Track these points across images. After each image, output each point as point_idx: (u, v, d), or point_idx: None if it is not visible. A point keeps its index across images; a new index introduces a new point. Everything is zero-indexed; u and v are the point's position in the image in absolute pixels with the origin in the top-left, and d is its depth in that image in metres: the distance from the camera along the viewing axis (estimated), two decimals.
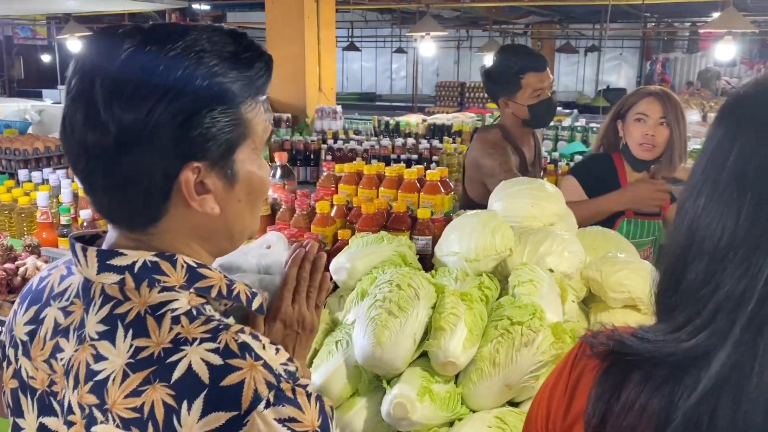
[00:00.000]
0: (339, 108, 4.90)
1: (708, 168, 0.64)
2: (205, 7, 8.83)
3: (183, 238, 0.80)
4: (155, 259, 0.76)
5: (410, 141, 4.28)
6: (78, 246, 0.79)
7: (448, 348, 1.29)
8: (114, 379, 0.71)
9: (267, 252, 1.08)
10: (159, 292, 0.75)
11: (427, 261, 1.75)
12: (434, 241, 1.81)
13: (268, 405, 0.67)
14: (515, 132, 2.56)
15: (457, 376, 1.35)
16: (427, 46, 5.29)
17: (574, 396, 0.73)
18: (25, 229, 2.36)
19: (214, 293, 0.78)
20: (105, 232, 0.84)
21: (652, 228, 2.34)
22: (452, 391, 1.30)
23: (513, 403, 1.37)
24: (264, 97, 0.83)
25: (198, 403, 0.67)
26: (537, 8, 7.03)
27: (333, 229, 1.84)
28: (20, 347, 0.84)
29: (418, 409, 1.24)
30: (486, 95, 8.14)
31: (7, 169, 3.52)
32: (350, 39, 9.82)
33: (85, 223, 2.06)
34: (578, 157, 3.81)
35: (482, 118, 5.14)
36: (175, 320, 0.73)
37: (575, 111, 6.65)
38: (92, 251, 0.77)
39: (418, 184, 1.88)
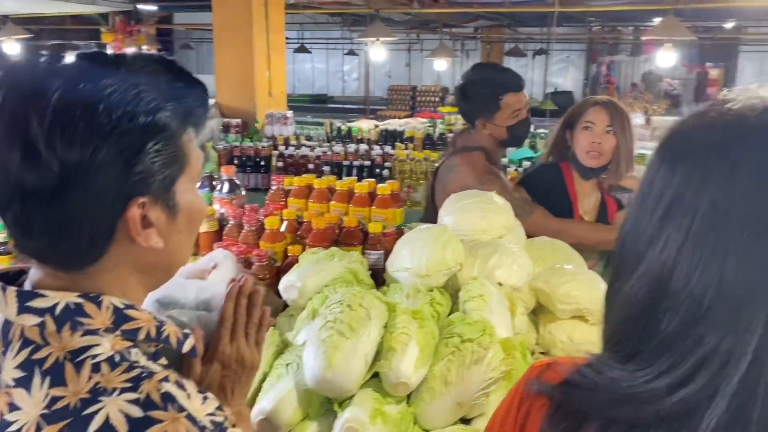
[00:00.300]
0: (290, 113, 4.85)
1: (673, 215, 0.60)
2: (152, 7, 8.63)
3: (121, 275, 0.78)
4: (79, 300, 0.73)
5: (363, 147, 4.28)
6: None
7: (399, 369, 1.28)
8: None
9: (206, 285, 1.05)
10: (82, 335, 0.71)
11: (379, 276, 1.75)
12: (386, 255, 1.81)
13: None
14: (493, 152, 2.52)
15: (409, 395, 1.34)
16: (378, 51, 5.30)
17: None
18: None
19: (141, 336, 0.75)
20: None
21: None
22: (404, 412, 1.30)
23: (464, 420, 1.37)
24: (201, 126, 0.82)
25: None
26: (486, 13, 7.13)
27: (283, 245, 1.82)
28: None
29: None
30: (435, 100, 8.25)
31: None
32: (300, 41, 9.75)
33: None
34: (527, 163, 3.87)
35: (433, 123, 5.17)
36: (95, 368, 0.69)
37: None
38: (11, 291, 0.74)
39: (370, 198, 1.87)
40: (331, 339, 1.29)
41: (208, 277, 1.61)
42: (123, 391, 0.68)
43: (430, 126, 4.91)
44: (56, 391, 0.68)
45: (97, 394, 0.68)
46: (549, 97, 9.91)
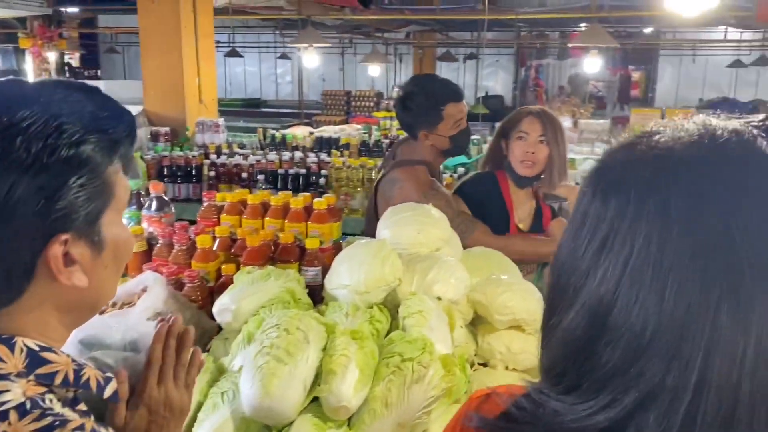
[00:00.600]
0: (221, 121, 4.73)
1: (610, 248, 0.59)
2: (73, 9, 8.27)
3: (41, 315, 0.74)
4: None
5: (298, 155, 4.22)
6: None
7: (340, 392, 1.25)
8: None
9: (133, 324, 1.01)
10: None
11: (317, 293, 1.72)
12: (324, 272, 1.78)
13: None
14: (433, 164, 2.53)
15: (350, 418, 1.32)
16: (311, 57, 5.24)
17: None
18: None
19: (58, 380, 0.71)
20: None
21: None
22: None
23: None
24: (128, 157, 0.78)
25: None
26: (417, 19, 7.19)
27: (216, 264, 1.76)
28: None
29: None
30: (370, 105, 8.26)
31: None
32: (231, 45, 9.57)
33: None
34: (461, 169, 3.92)
35: (369, 130, 5.16)
36: (3, 416, 0.65)
37: None
38: None
39: (306, 213, 1.84)
40: (268, 365, 1.25)
41: (138, 302, 1.54)
42: None
43: (365, 133, 4.89)
44: None
45: None
46: (480, 101, 10.08)
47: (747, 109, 10.72)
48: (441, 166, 2.80)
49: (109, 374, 0.78)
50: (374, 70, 7.69)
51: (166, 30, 4.57)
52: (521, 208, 2.42)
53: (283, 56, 11.65)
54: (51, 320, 0.75)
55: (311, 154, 4.33)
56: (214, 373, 1.41)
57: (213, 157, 4.21)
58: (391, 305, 1.60)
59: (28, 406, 0.66)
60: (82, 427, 0.67)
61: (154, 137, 4.59)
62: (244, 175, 4.09)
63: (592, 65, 5.06)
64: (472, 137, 4.75)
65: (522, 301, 1.68)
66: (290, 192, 2.02)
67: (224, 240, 1.82)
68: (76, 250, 0.72)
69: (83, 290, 0.74)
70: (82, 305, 0.78)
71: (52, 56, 8.18)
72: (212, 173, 4.09)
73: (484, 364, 1.73)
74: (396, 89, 7.63)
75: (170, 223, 1.89)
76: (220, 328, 1.64)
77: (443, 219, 1.82)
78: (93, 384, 0.75)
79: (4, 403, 0.65)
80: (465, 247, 1.96)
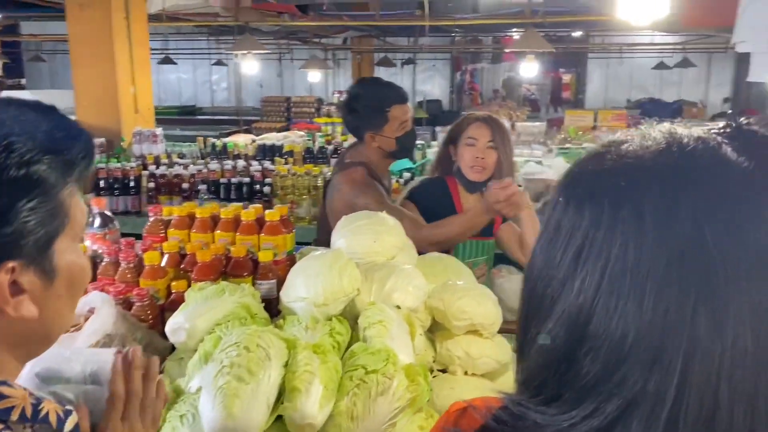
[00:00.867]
0: (159, 131, 4.60)
1: (587, 257, 0.59)
2: None
3: None
4: None
5: (240, 163, 4.14)
6: None
7: (304, 410, 1.23)
8: None
9: (93, 355, 0.95)
10: None
11: (273, 307, 1.68)
12: (279, 284, 1.74)
13: None
14: (379, 166, 2.53)
15: None
16: (250, 64, 5.15)
17: None
18: None
19: (15, 416, 0.67)
20: None
21: (485, 247, 2.46)
22: None
23: None
24: (85, 179, 0.74)
25: None
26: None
27: (165, 281, 1.70)
28: None
29: None
30: (311, 111, 8.21)
31: None
32: (165, 52, 9.33)
33: None
34: (407, 174, 3.94)
35: (312, 136, 5.12)
36: None
37: None
38: None
39: (258, 225, 1.79)
40: (229, 386, 1.22)
41: (85, 324, 1.47)
42: None
43: (308, 139, 4.85)
44: None
45: None
46: (420, 105, 10.18)
47: (672, 108, 11.25)
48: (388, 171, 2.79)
49: (69, 407, 0.74)
50: (314, 76, 7.65)
51: (98, 38, 4.40)
52: None
53: (219, 63, 11.46)
54: (1, 354, 0.71)
55: (254, 163, 4.26)
56: (171, 396, 1.36)
57: (152, 168, 4.08)
58: (350, 316, 1.58)
59: None
60: None
61: None
62: (185, 185, 3.99)
63: (530, 69, 5.19)
64: (417, 142, 4.79)
65: (479, 305, 1.70)
66: (240, 204, 1.97)
67: (173, 256, 1.75)
68: (25, 278, 0.68)
69: (34, 322, 0.70)
70: (34, 338, 0.74)
71: (3, 96, 7.73)
72: (151, 185, 3.96)
73: (443, 371, 1.74)
74: (336, 95, 7.60)
75: (115, 240, 1.82)
76: (173, 348, 1.59)
77: (398, 226, 1.82)
78: (52, 419, 0.71)
79: None
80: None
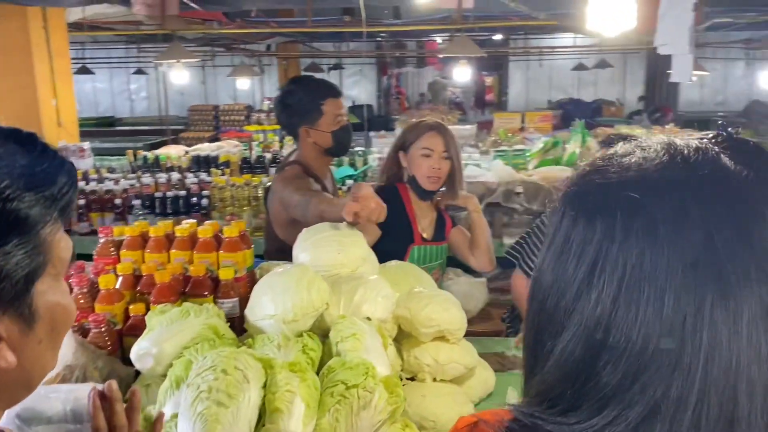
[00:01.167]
0: (87, 144, 4.39)
1: (602, 269, 0.60)
2: None
3: None
4: None
5: (175, 176, 4.01)
6: None
7: (287, 430, 1.20)
8: None
9: (73, 391, 0.90)
10: None
11: (236, 325, 1.63)
12: (241, 302, 1.70)
13: None
14: (315, 164, 2.53)
15: None
16: (180, 73, 4.99)
17: None
18: None
19: None
20: None
21: (439, 252, 2.48)
22: None
23: None
24: (68, 214, 0.69)
25: None
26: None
27: (122, 305, 1.62)
28: None
29: None
30: (240, 119, 8.05)
31: None
32: (80, 61, 8.92)
33: None
34: (350, 182, 3.92)
35: (248, 145, 5.02)
36: None
37: None
38: None
39: (216, 242, 1.74)
40: (209, 411, 1.17)
41: None
42: None
43: (245, 149, 4.74)
44: None
45: None
46: (350, 111, 10.18)
47: (591, 107, 11.71)
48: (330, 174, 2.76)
49: None
50: (242, 83, 7.51)
51: (15, 48, 4.16)
52: (424, 219, 2.46)
53: (139, 71, 11.07)
54: None
55: (189, 175, 4.13)
56: (141, 425, 1.30)
57: (81, 184, 3.89)
58: (318, 330, 1.56)
59: None
60: None
61: None
62: (118, 201, 3.83)
63: (463, 74, 5.29)
64: (357, 149, 4.79)
65: (445, 311, 1.71)
66: (173, 219, 1.90)
67: (128, 278, 1.68)
68: (1, 326, 0.62)
69: (13, 370, 0.64)
70: (12, 385, 0.68)
71: None
72: (81, 201, 3.78)
73: (412, 379, 1.74)
74: (267, 101, 7.49)
75: None
76: (135, 374, 1.52)
77: (360, 236, 1.81)
78: None
79: None
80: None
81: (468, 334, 1.82)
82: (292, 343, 1.45)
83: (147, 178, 3.99)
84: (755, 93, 10.94)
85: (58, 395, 0.88)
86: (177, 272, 1.68)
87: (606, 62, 9.93)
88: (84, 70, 8.95)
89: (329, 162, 2.67)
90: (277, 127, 6.83)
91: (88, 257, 1.79)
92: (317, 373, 1.39)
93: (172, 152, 4.71)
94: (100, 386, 0.94)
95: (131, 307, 1.60)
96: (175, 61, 4.60)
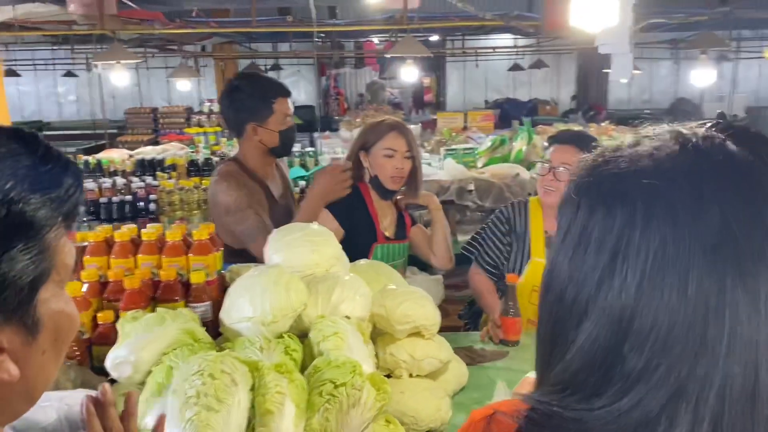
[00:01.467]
0: None
1: (626, 256, 0.62)
2: None
3: None
4: None
5: (120, 181, 3.88)
6: None
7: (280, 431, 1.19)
8: None
9: (67, 398, 0.87)
10: None
11: (209, 329, 1.60)
12: (214, 306, 1.67)
13: None
14: (255, 163, 2.48)
15: None
16: (120, 76, 4.82)
17: None
18: None
19: None
20: None
21: (401, 249, 2.49)
22: None
23: None
24: (74, 218, 0.66)
25: None
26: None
27: (90, 313, 1.56)
28: None
29: None
30: (180, 121, 7.85)
31: None
32: (6, 63, 8.49)
33: None
34: (302, 183, 3.89)
35: (195, 147, 4.90)
36: None
37: None
38: None
39: (185, 245, 1.70)
40: (200, 417, 1.15)
41: None
42: None
43: (192, 151, 4.63)
44: None
45: None
46: (295, 112, 10.09)
47: (528, 106, 12.02)
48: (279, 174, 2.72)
49: None
50: (183, 84, 7.34)
51: None
52: (386, 218, 2.47)
53: (69, 74, 10.65)
54: None
55: (134, 179, 4.01)
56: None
57: None
58: (296, 331, 1.55)
59: None
60: None
61: None
62: None
63: (410, 75, 5.35)
64: (308, 150, 4.75)
65: (420, 308, 1.73)
66: (161, 225, 1.85)
67: (93, 285, 1.62)
68: (4, 335, 0.59)
69: (15, 382, 0.61)
70: (13, 398, 0.65)
71: None
72: None
73: (388, 375, 1.75)
74: (207, 103, 7.34)
75: None
76: (110, 383, 1.46)
77: (331, 235, 1.80)
78: None
79: None
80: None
81: None
82: (274, 344, 1.43)
83: (90, 184, 3.84)
84: (680, 91, 11.47)
85: (51, 404, 0.85)
86: (146, 277, 1.63)
87: (542, 62, 10.22)
88: (11, 73, 8.53)
89: (271, 162, 2.59)
90: (219, 129, 6.71)
91: None
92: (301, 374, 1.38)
93: (115, 156, 4.55)
94: (93, 392, 0.91)
95: (99, 315, 1.55)
96: (114, 62, 4.44)
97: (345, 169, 2.36)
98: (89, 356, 1.52)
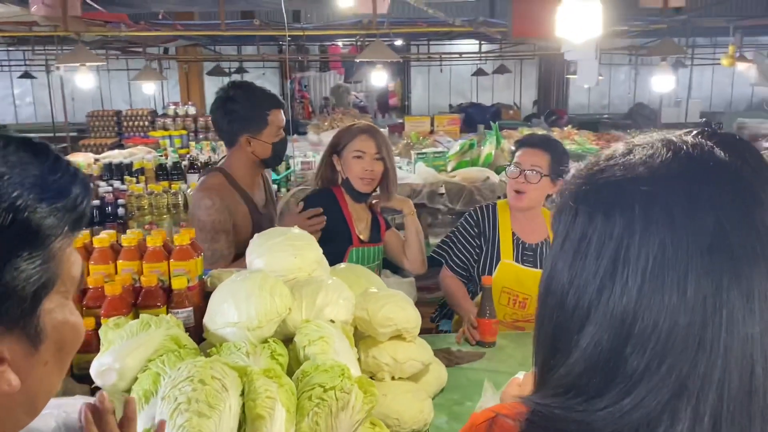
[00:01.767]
0: None
1: (626, 261, 0.64)
2: None
3: None
4: None
5: None
6: None
7: None
8: None
9: (67, 405, 0.87)
10: None
11: (192, 335, 1.59)
12: (195, 311, 1.66)
13: None
14: (243, 174, 2.45)
15: None
16: (85, 78, 4.72)
17: None
18: None
19: None
20: None
21: (376, 253, 2.52)
22: None
23: None
24: (79, 227, 0.66)
25: None
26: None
27: None
28: None
29: None
30: (145, 124, 7.70)
31: None
32: None
33: None
34: (273, 186, 3.87)
35: (163, 151, 4.83)
36: None
37: None
38: None
39: (166, 251, 1.69)
40: (191, 423, 1.15)
41: None
42: None
43: (160, 155, 4.56)
44: None
45: None
46: None
47: (491, 111, 12.17)
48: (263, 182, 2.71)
49: None
50: (148, 87, 7.21)
51: None
52: (360, 221, 2.49)
53: (27, 75, 10.37)
54: None
55: (102, 183, 3.92)
56: None
57: None
58: (280, 336, 1.55)
59: None
60: None
61: None
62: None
63: (380, 79, 5.38)
64: None
65: (402, 311, 1.75)
66: (140, 231, 1.83)
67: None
68: (6, 346, 0.59)
69: (16, 394, 0.60)
70: (15, 409, 0.64)
71: None
72: None
73: (373, 377, 1.76)
74: (172, 106, 7.23)
75: None
76: (92, 392, 1.44)
77: (312, 239, 1.80)
78: None
79: None
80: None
81: None
82: (260, 349, 1.44)
83: None
84: (638, 96, 11.76)
85: (50, 411, 0.84)
86: (127, 284, 1.62)
87: (505, 68, 10.37)
88: None
89: (259, 172, 2.56)
90: (185, 132, 6.62)
91: None
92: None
93: (80, 160, 4.46)
94: (91, 399, 0.90)
95: None
96: (78, 64, 4.36)
97: (311, 216, 2.35)
98: (70, 365, 1.49)
